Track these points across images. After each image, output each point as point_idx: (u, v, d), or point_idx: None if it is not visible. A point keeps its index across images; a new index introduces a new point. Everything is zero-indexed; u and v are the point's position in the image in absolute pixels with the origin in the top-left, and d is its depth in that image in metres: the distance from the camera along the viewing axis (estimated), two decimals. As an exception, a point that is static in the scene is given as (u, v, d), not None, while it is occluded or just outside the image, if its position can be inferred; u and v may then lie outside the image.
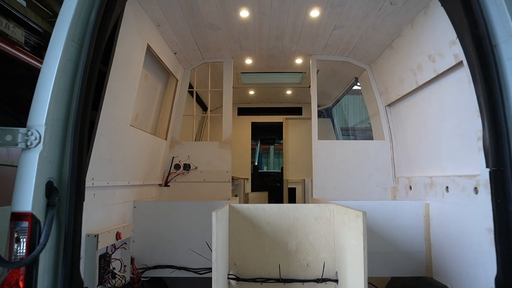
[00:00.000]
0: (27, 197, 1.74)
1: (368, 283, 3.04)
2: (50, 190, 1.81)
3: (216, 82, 4.42)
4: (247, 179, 6.36)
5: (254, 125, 6.64)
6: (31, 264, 1.73)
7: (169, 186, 3.89)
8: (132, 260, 2.88)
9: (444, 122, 2.81)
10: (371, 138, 4.21)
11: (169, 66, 3.64)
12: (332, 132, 6.44)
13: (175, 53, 3.68)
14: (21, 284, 1.74)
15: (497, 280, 1.88)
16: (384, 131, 3.90)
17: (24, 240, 1.76)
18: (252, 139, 6.78)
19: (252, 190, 6.74)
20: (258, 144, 9.53)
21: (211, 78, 4.31)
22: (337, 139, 6.33)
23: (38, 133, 1.79)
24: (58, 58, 1.85)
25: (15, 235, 1.77)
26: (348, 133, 6.96)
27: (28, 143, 1.78)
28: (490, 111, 1.90)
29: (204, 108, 5.91)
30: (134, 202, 3.03)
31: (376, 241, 2.99)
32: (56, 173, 1.85)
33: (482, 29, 1.95)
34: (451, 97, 2.70)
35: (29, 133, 1.78)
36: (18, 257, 1.75)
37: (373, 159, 3.87)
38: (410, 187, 3.38)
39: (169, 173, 3.90)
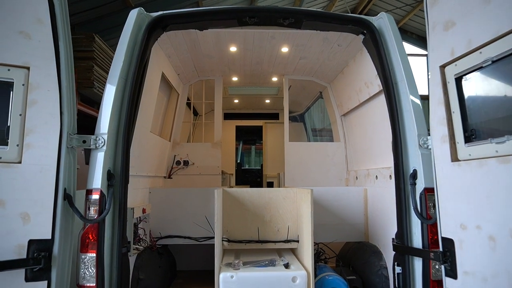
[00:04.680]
0: (97, 179, 2.69)
1: (326, 246, 4.16)
2: (109, 175, 2.76)
3: (207, 92, 5.45)
4: (232, 174, 7.41)
5: (238, 128, 7.71)
6: (100, 222, 2.71)
7: (171, 178, 4.90)
8: (149, 231, 3.88)
9: (376, 130, 3.92)
10: (332, 138, 5.34)
11: (173, 84, 4.65)
12: (305, 134, 7.56)
13: (178, 74, 4.70)
14: (94, 234, 2.72)
15: (396, 234, 2.97)
16: (340, 135, 5.02)
17: (95, 207, 2.75)
18: (236, 140, 7.83)
19: (236, 184, 7.80)
20: (241, 144, 10.59)
21: (204, 90, 5.34)
22: (308, 139, 7.46)
23: (103, 138, 2.75)
24: (113, 90, 2.83)
25: (89, 204, 2.76)
26: (316, 134, 8.20)
27: (97, 145, 2.74)
28: (392, 125, 2.98)
29: (194, 113, 6.92)
30: (149, 189, 4.03)
31: (330, 216, 4.06)
32: (113, 165, 2.81)
33: (388, 72, 3.02)
34: (379, 112, 3.81)
35: (97, 138, 2.74)
36: (92, 217, 2.72)
37: (331, 156, 4.99)
38: (356, 177, 4.50)
39: (171, 168, 4.91)
